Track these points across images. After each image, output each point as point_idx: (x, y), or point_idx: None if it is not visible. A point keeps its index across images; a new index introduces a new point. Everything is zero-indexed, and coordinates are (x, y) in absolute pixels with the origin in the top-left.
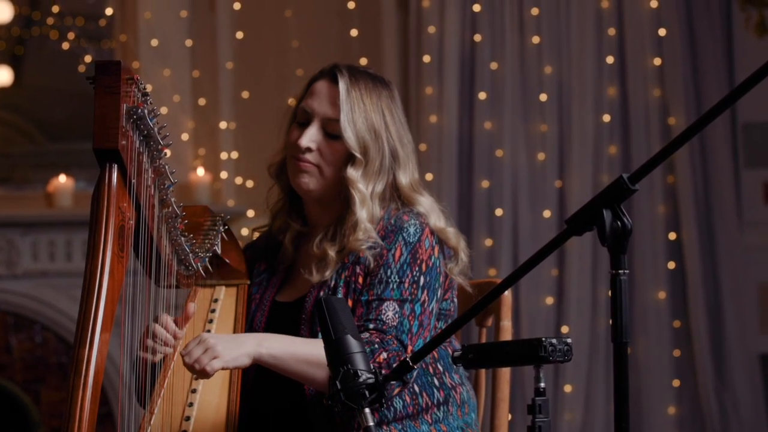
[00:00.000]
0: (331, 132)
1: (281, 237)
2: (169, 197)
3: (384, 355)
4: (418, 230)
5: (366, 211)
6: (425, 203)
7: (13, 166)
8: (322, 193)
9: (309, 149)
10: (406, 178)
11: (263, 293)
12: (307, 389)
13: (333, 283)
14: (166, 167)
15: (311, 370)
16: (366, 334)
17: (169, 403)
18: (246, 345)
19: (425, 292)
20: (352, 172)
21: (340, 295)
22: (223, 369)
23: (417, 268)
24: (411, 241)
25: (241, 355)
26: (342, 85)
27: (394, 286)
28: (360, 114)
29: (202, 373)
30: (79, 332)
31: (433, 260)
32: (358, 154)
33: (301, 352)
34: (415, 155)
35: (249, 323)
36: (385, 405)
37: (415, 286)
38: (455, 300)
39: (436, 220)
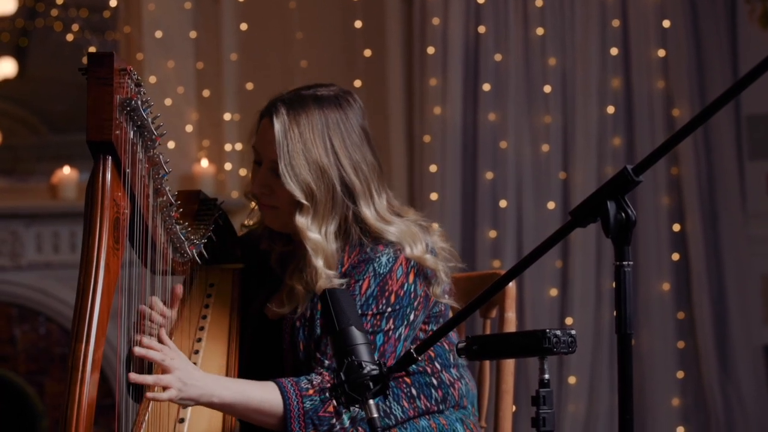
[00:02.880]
0: (279, 173)
1: (267, 256)
2: (163, 186)
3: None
4: (390, 260)
5: (322, 258)
6: (395, 231)
7: (17, 158)
8: (290, 225)
9: (263, 193)
10: (369, 209)
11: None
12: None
13: (309, 313)
14: (161, 157)
15: (261, 418)
16: (317, 378)
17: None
18: (201, 392)
19: (390, 321)
20: (301, 220)
21: (317, 326)
22: (167, 397)
23: (384, 301)
24: (381, 272)
25: (191, 400)
26: (278, 126)
27: None
28: (299, 157)
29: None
30: (75, 327)
31: (405, 288)
32: (303, 201)
33: (254, 401)
34: (377, 176)
35: (240, 335)
36: (383, 412)
37: (378, 317)
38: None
39: (410, 249)
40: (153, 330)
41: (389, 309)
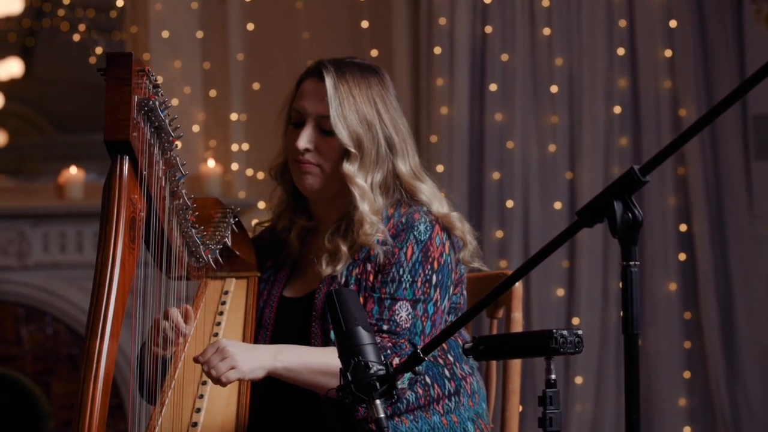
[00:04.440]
0: (326, 128)
1: (285, 235)
2: (180, 189)
3: (396, 360)
4: (428, 228)
5: (368, 203)
6: (426, 190)
7: (24, 158)
8: (327, 190)
9: (307, 150)
10: (405, 165)
11: (270, 289)
12: None
13: (343, 279)
14: (177, 159)
15: (325, 380)
16: (378, 338)
17: (179, 395)
18: (262, 357)
19: (438, 290)
20: (349, 167)
21: None
22: (238, 380)
23: (429, 267)
24: (422, 239)
25: (258, 368)
26: (329, 81)
27: (407, 286)
28: (350, 107)
29: (218, 382)
30: (90, 324)
31: (444, 257)
32: (352, 149)
33: (315, 362)
34: (412, 139)
35: (258, 320)
36: (396, 398)
37: (427, 284)
38: (465, 293)
39: (439, 206)
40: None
41: (435, 278)
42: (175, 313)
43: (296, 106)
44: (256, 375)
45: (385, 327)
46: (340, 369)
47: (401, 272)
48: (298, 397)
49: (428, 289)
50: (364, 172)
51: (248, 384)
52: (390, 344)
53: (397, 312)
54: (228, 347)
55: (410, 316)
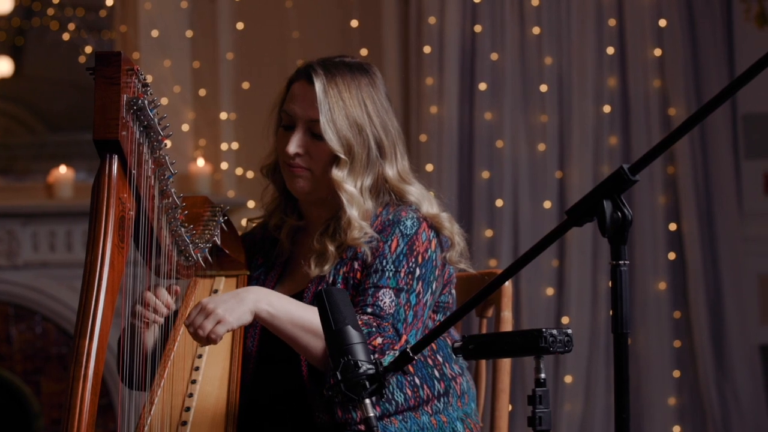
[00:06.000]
0: (317, 132)
1: (277, 233)
2: (169, 188)
3: (379, 339)
4: (415, 224)
5: (357, 209)
6: (415, 192)
7: (13, 157)
8: (318, 192)
9: (297, 154)
10: (392, 170)
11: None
12: (306, 376)
13: (331, 279)
14: (166, 158)
15: (306, 337)
16: (363, 317)
17: (168, 393)
18: (246, 301)
19: (420, 283)
20: (338, 173)
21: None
22: (228, 331)
23: (413, 260)
24: (408, 233)
25: (244, 312)
26: (318, 85)
27: (390, 275)
28: (339, 112)
29: (209, 341)
30: (79, 323)
31: (429, 253)
32: (342, 155)
33: (299, 316)
34: (401, 140)
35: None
36: (385, 397)
37: (410, 276)
38: (453, 293)
39: (428, 207)
40: (157, 319)
41: (418, 271)
42: (161, 290)
43: (286, 109)
44: (244, 321)
45: (369, 310)
46: (330, 367)
47: (384, 263)
48: (285, 388)
49: (411, 280)
50: (354, 177)
51: (238, 382)
52: (375, 324)
53: (380, 298)
54: (209, 304)
55: (393, 303)
